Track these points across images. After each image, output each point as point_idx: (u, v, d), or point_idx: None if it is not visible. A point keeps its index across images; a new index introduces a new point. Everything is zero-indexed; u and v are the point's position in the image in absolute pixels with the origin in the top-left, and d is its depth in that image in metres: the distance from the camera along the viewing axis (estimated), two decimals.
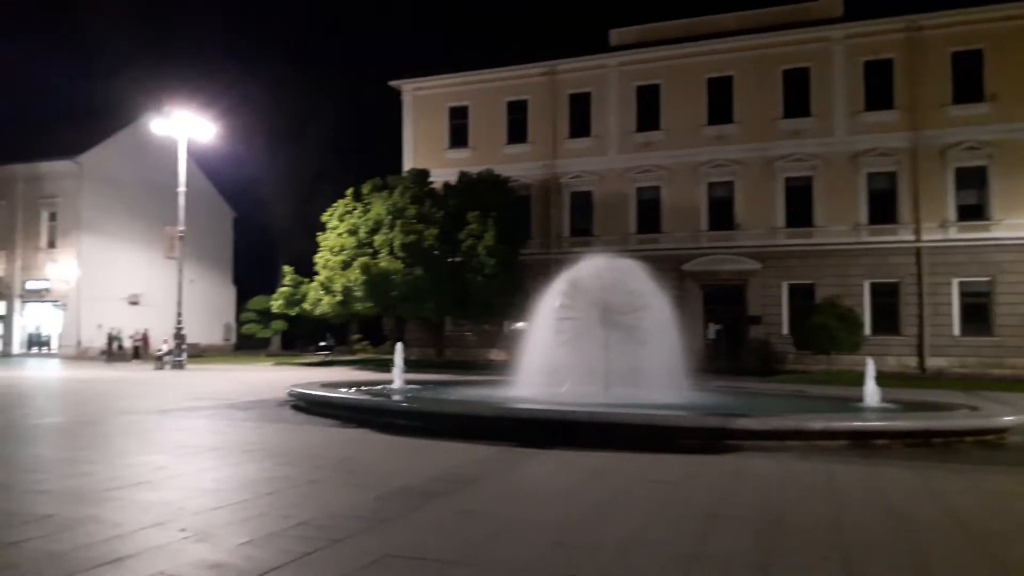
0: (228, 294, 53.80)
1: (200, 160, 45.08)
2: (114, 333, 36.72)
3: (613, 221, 34.61)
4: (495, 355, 33.51)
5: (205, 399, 15.49)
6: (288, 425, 11.19)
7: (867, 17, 31.68)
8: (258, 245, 56.30)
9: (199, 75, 71.79)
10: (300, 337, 52.60)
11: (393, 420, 10.77)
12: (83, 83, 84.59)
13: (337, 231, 32.40)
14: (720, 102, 33.58)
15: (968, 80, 30.24)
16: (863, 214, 31.46)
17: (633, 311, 12.91)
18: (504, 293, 29.88)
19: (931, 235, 30.38)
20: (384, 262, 29.79)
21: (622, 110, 35.02)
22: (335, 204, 33.56)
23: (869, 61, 31.67)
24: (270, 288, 42.59)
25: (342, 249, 31.48)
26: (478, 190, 32.51)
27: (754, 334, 32.07)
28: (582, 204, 35.59)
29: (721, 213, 33.33)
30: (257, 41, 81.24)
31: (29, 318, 45.17)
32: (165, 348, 31.00)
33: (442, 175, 34.20)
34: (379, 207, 31.65)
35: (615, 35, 36.14)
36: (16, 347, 44.31)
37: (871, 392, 12.30)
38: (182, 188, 30.89)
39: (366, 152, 61.66)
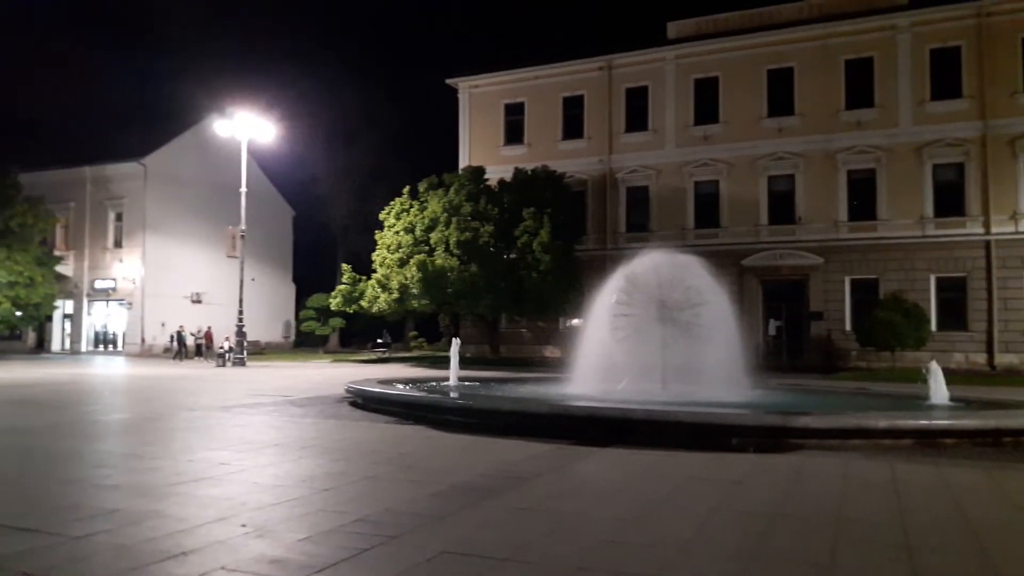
0: (288, 292, 54.92)
1: (261, 160, 46.13)
2: (185, 331, 37.90)
3: (670, 216, 34.19)
4: (550, 352, 33.47)
5: (265, 396, 15.83)
6: (345, 421, 11.35)
7: (934, 4, 30.57)
8: (317, 243, 57.38)
9: (260, 76, 73.51)
10: (358, 334, 53.41)
11: (449, 417, 10.81)
12: (149, 86, 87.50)
13: (394, 229, 32.79)
14: (780, 94, 32.85)
15: None
16: (929, 207, 30.41)
17: (691, 307, 12.71)
18: (559, 289, 29.82)
19: (1001, 227, 29.20)
20: (440, 259, 30.03)
21: (680, 103, 34.56)
22: (392, 202, 33.98)
23: (936, 49, 30.58)
24: (329, 286, 43.37)
25: (399, 247, 31.84)
26: (533, 186, 32.48)
27: (815, 330, 31.30)
28: (639, 199, 35.25)
29: (782, 207, 32.62)
30: (316, 41, 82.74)
31: (96, 316, 46.79)
32: (227, 345, 31.83)
33: (498, 172, 34.27)
34: (435, 205, 31.91)
35: (673, 28, 35.67)
36: (84, 345, 46.00)
37: (938, 390, 11.86)
38: (243, 188, 31.65)
39: (423, 150, 62.18)
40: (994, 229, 29.27)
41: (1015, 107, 29.21)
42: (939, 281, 30.00)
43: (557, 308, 30.90)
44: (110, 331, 46.59)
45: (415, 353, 44.03)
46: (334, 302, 34.77)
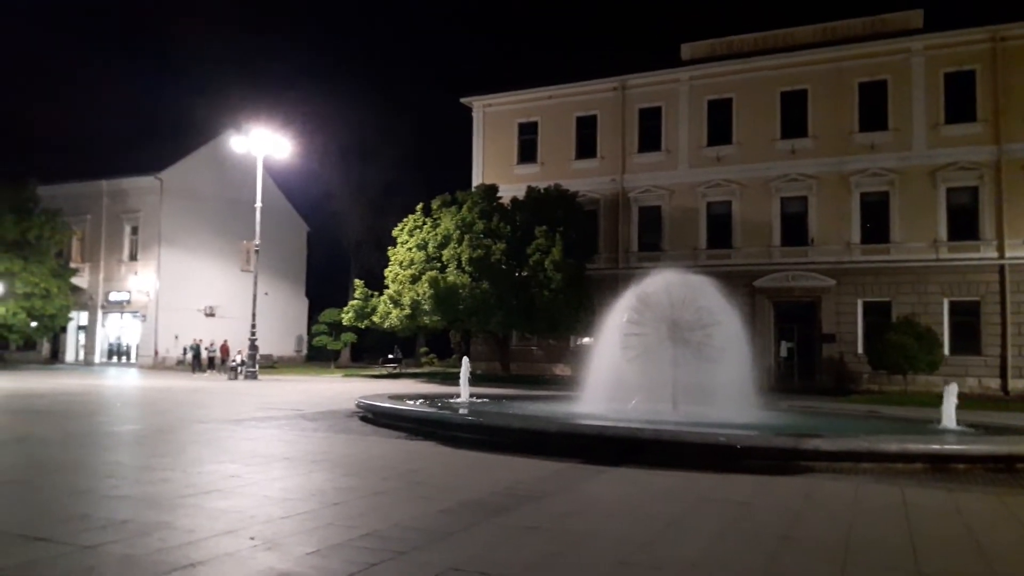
0: (301, 306, 55.18)
1: (276, 175, 46.51)
2: (199, 344, 38.14)
3: (682, 236, 34.18)
4: (561, 370, 33.39)
5: (276, 409, 15.88)
6: (356, 436, 11.37)
7: (949, 28, 30.59)
8: (330, 259, 57.69)
9: (276, 93, 74.14)
10: (369, 349, 53.50)
11: (458, 433, 10.81)
12: (166, 101, 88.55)
13: (407, 245, 32.93)
14: (794, 116, 32.88)
15: None
16: (943, 230, 30.25)
17: (703, 328, 12.68)
18: (571, 308, 29.80)
19: (1015, 252, 28.98)
20: (452, 276, 30.11)
21: (693, 124, 34.64)
22: (405, 219, 34.14)
23: (950, 72, 30.55)
24: (341, 301, 43.51)
25: (411, 263, 31.96)
26: (546, 205, 32.58)
27: (827, 352, 31.10)
28: (651, 219, 35.26)
29: (794, 229, 32.54)
30: (331, 59, 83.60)
31: (110, 328, 47.18)
32: (239, 359, 31.97)
33: (510, 190, 34.41)
34: (448, 222, 32.04)
35: (687, 49, 35.83)
36: (98, 356, 46.30)
37: (950, 414, 11.75)
38: (259, 203, 31.90)
39: (437, 168, 62.67)
40: (1008, 253, 29.06)
41: None
42: (952, 305, 29.78)
43: (568, 326, 30.86)
44: (124, 343, 46.90)
45: (426, 369, 44.03)
46: (346, 317, 34.90)
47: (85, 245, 46.75)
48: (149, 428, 12.50)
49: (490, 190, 33.65)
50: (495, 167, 37.77)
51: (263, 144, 32.20)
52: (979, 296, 29.32)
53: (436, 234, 32.15)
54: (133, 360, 45.22)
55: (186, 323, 43.09)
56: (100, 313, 46.43)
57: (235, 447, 10.08)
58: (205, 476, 7.59)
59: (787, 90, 33.07)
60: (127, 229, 46.18)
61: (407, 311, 30.99)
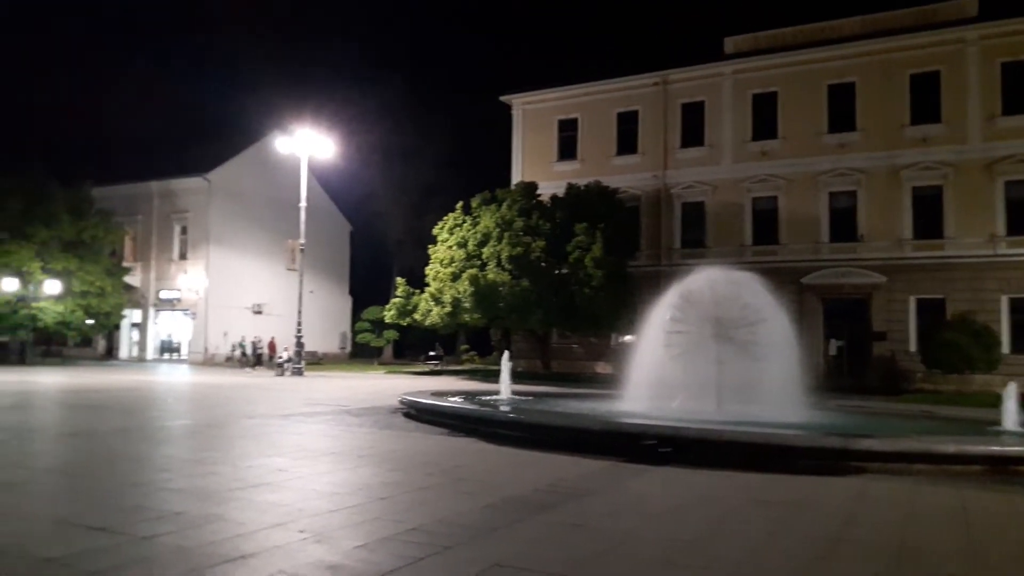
0: (344, 304, 55.90)
1: (319, 175, 47.15)
2: (246, 341, 38.94)
3: (727, 232, 33.74)
4: (602, 368, 33.23)
5: (322, 405, 16.10)
6: (399, 432, 11.46)
7: (1005, 16, 29.61)
8: (373, 257, 58.35)
9: (320, 94, 75.15)
10: (411, 346, 54.00)
11: (500, 430, 10.81)
12: (214, 104, 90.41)
13: (447, 243, 33.10)
14: (842, 109, 32.20)
15: None
16: (1000, 225, 29.35)
17: (748, 325, 12.47)
18: (612, 305, 29.61)
19: None
20: (492, 274, 30.19)
21: (737, 119, 34.18)
22: (445, 217, 34.33)
23: (1007, 62, 29.61)
24: (384, 299, 43.95)
25: (451, 261, 32.12)
26: (586, 202, 32.42)
27: (879, 351, 30.41)
28: (694, 215, 34.89)
29: (843, 224, 31.89)
30: (374, 60, 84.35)
31: (162, 325, 48.45)
32: (285, 355, 32.50)
33: (550, 187, 34.34)
34: (488, 220, 32.11)
35: (730, 43, 35.35)
36: (150, 353, 47.55)
37: (1011, 415, 11.36)
38: (303, 203, 32.38)
39: (476, 166, 62.75)
40: None
41: None
42: (1012, 302, 28.88)
43: (609, 324, 30.68)
44: (174, 340, 48.07)
45: (467, 366, 44.22)
46: (388, 315, 35.23)
47: (137, 245, 48.01)
48: (200, 423, 12.77)
49: (529, 187, 33.63)
50: (534, 164, 37.73)
51: (307, 145, 32.66)
52: None
53: (476, 232, 32.25)
54: (184, 356, 46.27)
55: (234, 320, 43.97)
56: (152, 311, 47.65)
57: (282, 441, 10.24)
58: (254, 470, 7.72)
59: (834, 83, 32.41)
60: (177, 229, 47.29)
61: (448, 309, 31.16)
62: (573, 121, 37.73)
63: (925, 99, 30.83)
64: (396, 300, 34.83)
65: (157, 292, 47.31)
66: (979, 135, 29.85)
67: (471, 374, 33.96)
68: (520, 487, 7.05)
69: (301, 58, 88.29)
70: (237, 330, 42.00)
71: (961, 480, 8.03)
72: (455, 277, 31.39)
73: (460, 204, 34.28)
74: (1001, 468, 8.51)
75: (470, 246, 32.17)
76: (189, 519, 5.41)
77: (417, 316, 33.41)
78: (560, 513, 6.02)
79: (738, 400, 12.50)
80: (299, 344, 31.41)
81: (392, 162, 55.00)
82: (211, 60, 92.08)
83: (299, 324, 31.73)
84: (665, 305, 13.82)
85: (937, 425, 13.31)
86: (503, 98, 39.42)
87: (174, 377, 29.40)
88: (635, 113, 36.32)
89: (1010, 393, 11.55)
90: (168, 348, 48.11)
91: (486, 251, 31.36)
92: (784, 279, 27.63)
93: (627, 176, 35.41)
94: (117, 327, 46.12)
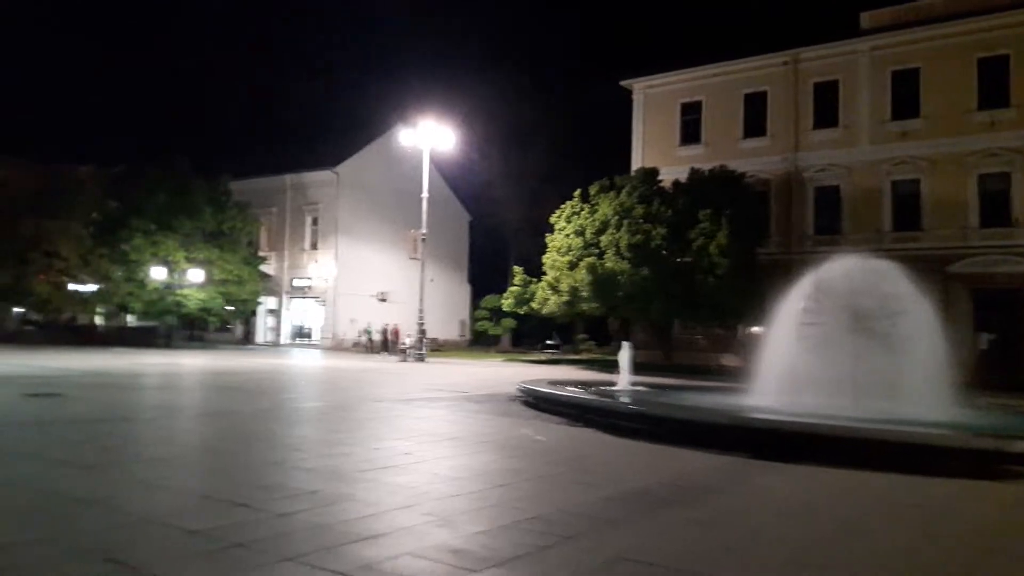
0: (463, 292, 57.02)
1: (440, 166, 48.17)
2: (372, 327, 40.56)
3: (864, 218, 31.87)
4: (727, 361, 32.15)
5: (443, 390, 16.47)
6: (518, 419, 11.53)
7: None
8: (491, 246, 59.10)
9: (441, 86, 76.85)
10: (528, 335, 54.42)
11: (620, 422, 10.64)
12: (342, 100, 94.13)
13: (564, 232, 32.97)
14: (993, 84, 29.65)
15: None
16: None
17: (888, 317, 11.71)
18: (738, 295, 28.56)
19: None
20: (610, 262, 29.82)
21: (875, 98, 32.17)
22: (563, 205, 34.18)
23: None
24: (501, 287, 44.46)
25: (569, 249, 31.98)
26: (710, 187, 31.36)
27: None
28: (828, 200, 33.15)
29: (995, 208, 29.42)
30: (492, 49, 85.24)
31: (294, 312, 51.06)
32: (408, 342, 33.51)
33: (672, 173, 33.46)
34: (606, 207, 31.72)
35: (867, 18, 33.30)
36: (284, 338, 50.23)
37: None
38: (425, 194, 33.19)
39: (594, 153, 61.95)
40: None
41: None
42: None
43: (735, 314, 29.64)
44: (306, 326, 50.56)
45: (584, 356, 44.08)
46: (506, 303, 35.59)
47: (271, 235, 50.71)
48: (330, 405, 13.35)
49: (650, 174, 32.93)
50: (655, 150, 36.95)
51: (429, 137, 33.42)
52: None
53: (594, 220, 31.92)
54: (315, 341, 48.57)
55: (360, 307, 45.78)
56: (285, 298, 50.30)
57: (407, 425, 10.52)
58: (382, 452, 7.96)
59: (985, 56, 29.88)
60: (308, 220, 49.66)
61: (565, 297, 31.08)
62: (697, 104, 36.67)
63: None
64: (513, 289, 35.11)
65: (290, 280, 49.84)
66: None
67: (588, 364, 33.82)
68: (642, 480, 6.93)
69: (424, 52, 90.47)
70: (363, 317, 43.68)
71: None
72: (572, 266, 31.24)
73: (578, 192, 34.02)
74: None
75: (588, 234, 31.90)
76: (323, 498, 5.62)
77: (534, 305, 33.55)
78: (683, 508, 5.86)
79: (877, 396, 11.76)
80: (421, 331, 32.28)
81: (510, 151, 55.41)
82: (340, 59, 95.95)
83: (421, 312, 32.59)
84: (797, 295, 13.20)
85: None
86: (623, 83, 38.78)
87: (306, 361, 30.92)
88: (763, 94, 34.87)
89: None
90: (300, 333, 50.60)
91: (604, 239, 30.99)
92: (927, 268, 25.63)
93: (754, 160, 34.07)
94: (254, 313, 48.94)
